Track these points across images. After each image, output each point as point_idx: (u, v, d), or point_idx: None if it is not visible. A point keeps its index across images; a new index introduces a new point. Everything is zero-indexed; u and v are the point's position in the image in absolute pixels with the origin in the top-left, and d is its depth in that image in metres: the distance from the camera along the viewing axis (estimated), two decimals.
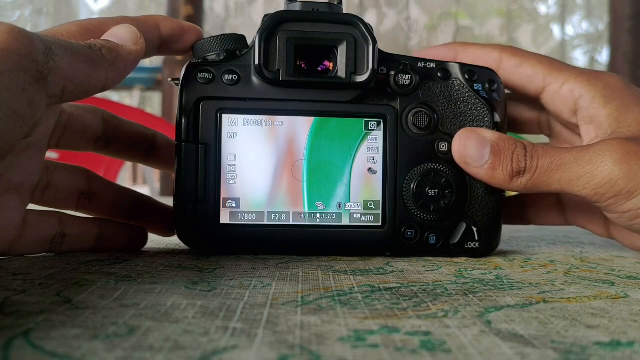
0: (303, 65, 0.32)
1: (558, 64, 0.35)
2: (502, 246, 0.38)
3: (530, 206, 0.39)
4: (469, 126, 0.33)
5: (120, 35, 0.28)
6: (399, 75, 0.32)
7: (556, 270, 0.30)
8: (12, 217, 0.27)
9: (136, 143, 0.34)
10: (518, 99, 0.38)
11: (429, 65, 0.33)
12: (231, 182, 0.32)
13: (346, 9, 0.33)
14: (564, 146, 0.37)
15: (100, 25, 0.29)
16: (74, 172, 0.31)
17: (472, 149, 0.31)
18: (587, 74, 0.34)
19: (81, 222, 0.31)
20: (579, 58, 2.48)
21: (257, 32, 0.31)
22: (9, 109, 0.22)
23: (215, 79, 0.31)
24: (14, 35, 0.22)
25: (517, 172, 0.30)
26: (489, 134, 0.31)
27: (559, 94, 0.34)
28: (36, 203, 0.30)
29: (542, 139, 0.41)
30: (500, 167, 0.30)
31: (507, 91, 0.35)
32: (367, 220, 0.32)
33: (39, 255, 0.30)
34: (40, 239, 0.29)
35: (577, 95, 0.33)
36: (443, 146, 0.33)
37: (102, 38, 0.28)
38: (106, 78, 0.26)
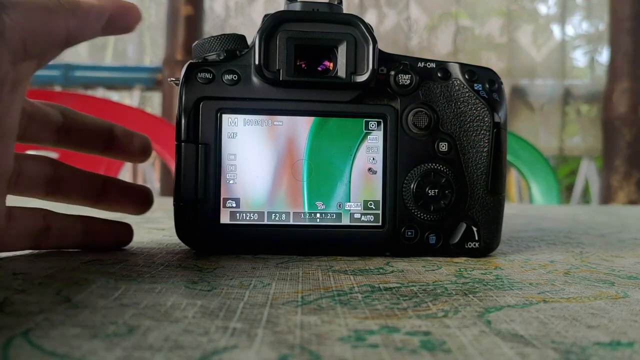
0: (303, 65, 0.32)
1: None
2: (502, 246, 0.38)
3: None
4: (469, 126, 0.33)
5: None
6: (399, 75, 0.32)
7: (556, 270, 0.30)
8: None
9: (94, 134, 0.34)
10: None
11: (429, 65, 0.33)
12: (231, 182, 0.32)
13: (346, 9, 0.33)
14: None
15: None
16: (40, 160, 0.32)
17: None
18: None
19: (65, 216, 0.31)
20: (579, 58, 2.48)
21: (257, 32, 0.31)
22: None
23: (215, 79, 0.31)
24: None
25: None
26: None
27: None
28: (10, 193, 0.30)
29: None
30: None
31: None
32: (367, 220, 0.32)
33: (39, 255, 0.30)
34: (26, 232, 0.30)
35: None
36: (443, 146, 0.33)
37: None
38: (67, 27, 0.26)
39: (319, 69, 0.32)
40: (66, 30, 0.26)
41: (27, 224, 0.30)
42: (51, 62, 0.30)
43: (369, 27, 0.31)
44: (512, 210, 0.69)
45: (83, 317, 0.18)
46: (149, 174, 1.68)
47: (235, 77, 0.31)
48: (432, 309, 0.21)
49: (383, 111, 0.32)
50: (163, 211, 0.58)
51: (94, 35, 0.28)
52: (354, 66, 0.31)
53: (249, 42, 0.32)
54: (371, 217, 0.32)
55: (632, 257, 0.35)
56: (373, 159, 0.32)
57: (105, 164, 1.10)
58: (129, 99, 2.41)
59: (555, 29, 2.37)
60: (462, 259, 0.32)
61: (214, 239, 0.32)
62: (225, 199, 0.31)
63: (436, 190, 0.32)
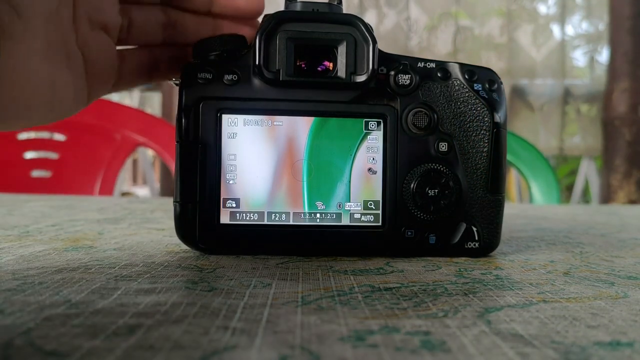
0: (303, 66, 0.32)
1: None
2: (502, 246, 0.38)
3: None
4: (469, 126, 0.33)
5: None
6: (399, 75, 0.32)
7: (556, 270, 0.30)
8: (108, 55, 0.30)
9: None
10: None
11: (428, 65, 0.33)
12: (231, 182, 0.32)
13: (346, 9, 0.33)
14: None
15: None
16: (149, 9, 0.33)
17: None
18: None
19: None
20: (579, 58, 2.48)
21: (257, 32, 0.31)
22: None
23: (215, 79, 0.31)
24: None
25: None
26: None
27: None
28: (126, 44, 0.33)
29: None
30: None
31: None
32: (367, 220, 0.32)
33: (37, 255, 0.30)
34: (138, 67, 0.33)
35: None
36: (443, 146, 0.33)
37: None
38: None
39: (319, 69, 0.32)
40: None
41: (137, 60, 0.33)
42: None
43: (368, 27, 0.31)
44: (512, 210, 0.69)
45: (83, 318, 0.18)
46: (149, 174, 1.67)
47: (235, 77, 0.31)
48: (432, 309, 0.21)
49: (383, 111, 0.32)
50: (163, 211, 0.58)
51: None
52: (353, 66, 0.31)
53: (249, 42, 0.32)
54: (371, 217, 0.32)
55: (632, 257, 0.35)
56: (373, 159, 0.32)
57: (106, 162, 1.10)
58: (129, 99, 2.41)
59: (555, 29, 2.37)
60: (462, 259, 0.32)
61: (214, 239, 0.32)
62: (225, 199, 0.31)
63: (436, 190, 0.32)
